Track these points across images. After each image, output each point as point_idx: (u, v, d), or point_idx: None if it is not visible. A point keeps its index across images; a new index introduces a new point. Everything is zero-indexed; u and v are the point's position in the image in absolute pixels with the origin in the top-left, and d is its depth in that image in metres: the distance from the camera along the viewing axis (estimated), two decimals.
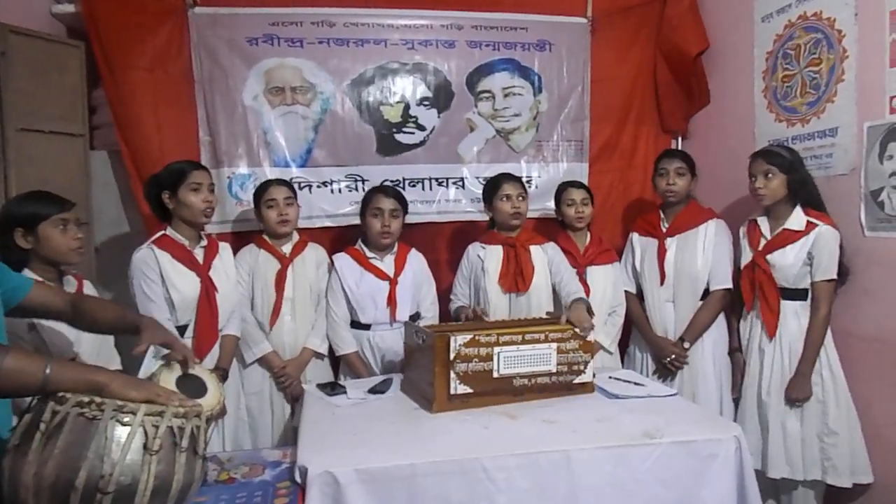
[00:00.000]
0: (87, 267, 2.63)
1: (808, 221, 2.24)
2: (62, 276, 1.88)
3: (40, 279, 1.65)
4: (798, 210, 2.27)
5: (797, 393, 2.22)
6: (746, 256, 2.41)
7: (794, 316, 2.27)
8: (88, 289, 1.98)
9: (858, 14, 2.23)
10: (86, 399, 1.11)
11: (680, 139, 3.28)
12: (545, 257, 2.47)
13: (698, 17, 3.04)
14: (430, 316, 2.53)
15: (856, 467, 2.18)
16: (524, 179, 3.08)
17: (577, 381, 1.97)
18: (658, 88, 3.18)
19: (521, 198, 2.45)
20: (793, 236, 2.25)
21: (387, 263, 2.48)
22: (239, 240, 2.65)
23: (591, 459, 1.59)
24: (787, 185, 2.27)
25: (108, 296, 2.81)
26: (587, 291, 2.56)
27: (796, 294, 2.27)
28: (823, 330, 2.22)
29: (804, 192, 2.28)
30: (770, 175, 2.27)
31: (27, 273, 1.75)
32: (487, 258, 2.48)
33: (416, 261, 2.54)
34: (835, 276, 2.20)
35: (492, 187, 2.53)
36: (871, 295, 2.21)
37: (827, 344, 2.24)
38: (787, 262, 2.26)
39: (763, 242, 2.34)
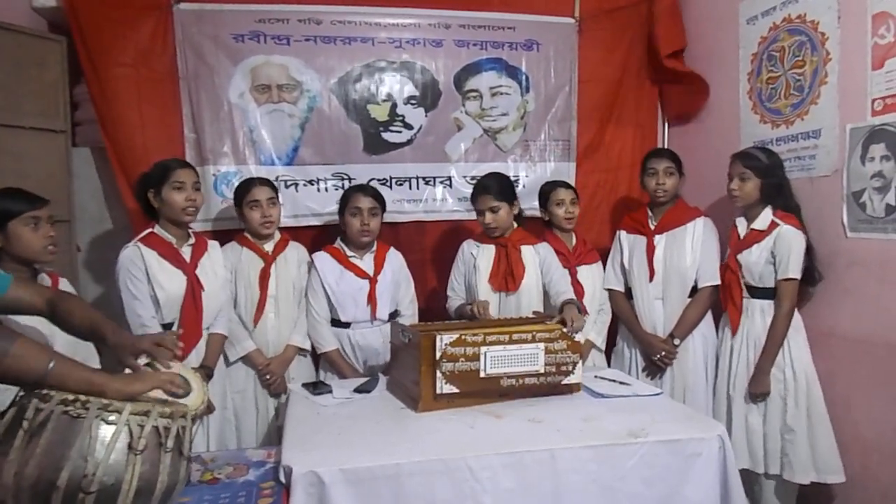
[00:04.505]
0: (69, 265, 2.60)
1: (771, 221, 2.29)
2: (36, 274, 1.85)
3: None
4: (767, 211, 2.33)
5: (756, 388, 2.28)
6: (726, 257, 2.47)
7: (761, 314, 2.33)
8: (65, 286, 1.94)
9: (841, 17, 2.26)
10: (70, 397, 1.10)
11: (666, 138, 3.30)
12: (537, 257, 2.47)
13: (678, 16, 3.06)
14: (409, 314, 2.53)
15: (820, 466, 2.21)
16: (511, 178, 3.10)
17: (565, 381, 1.96)
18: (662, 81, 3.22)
19: (492, 211, 2.40)
20: (758, 236, 2.31)
21: (366, 262, 2.47)
22: (226, 238, 2.62)
23: (575, 458, 1.60)
24: (760, 188, 2.31)
25: (92, 293, 2.78)
26: (580, 291, 2.58)
27: (763, 292, 2.32)
28: (784, 327, 2.26)
29: (778, 197, 2.32)
30: (745, 178, 2.32)
31: None
32: (480, 256, 2.48)
33: (395, 259, 2.54)
34: (795, 276, 2.24)
35: (471, 199, 2.52)
36: (851, 295, 2.24)
37: (794, 342, 2.28)
38: (752, 261, 2.32)
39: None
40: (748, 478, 2.35)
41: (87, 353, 1.94)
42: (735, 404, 2.35)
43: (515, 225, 2.51)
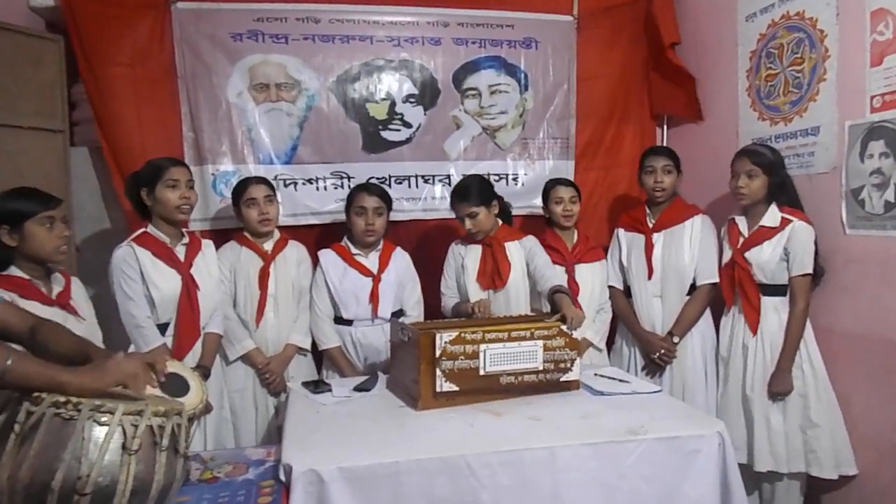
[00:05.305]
0: (68, 265, 2.60)
1: (782, 217, 2.28)
2: (49, 273, 1.86)
3: (9, 299, 1.61)
4: (773, 207, 2.32)
5: (778, 387, 2.26)
6: (726, 255, 2.45)
7: (774, 311, 2.31)
8: (76, 286, 1.95)
9: (840, 14, 2.25)
10: (62, 399, 1.09)
11: (665, 136, 3.30)
12: (522, 251, 2.47)
13: (672, 10, 3.06)
14: (415, 315, 2.53)
15: (839, 459, 2.22)
16: (510, 177, 3.11)
17: (563, 378, 1.96)
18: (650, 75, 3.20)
19: (471, 217, 2.40)
20: (768, 233, 2.29)
21: (371, 260, 2.48)
22: (224, 237, 2.62)
23: (575, 456, 1.59)
24: (767, 186, 2.30)
25: (90, 293, 2.77)
26: (576, 289, 2.57)
27: (775, 290, 2.31)
28: (802, 324, 2.25)
29: (783, 194, 2.32)
30: (752, 175, 2.30)
31: (13, 271, 1.74)
32: (467, 256, 2.50)
33: (401, 259, 2.54)
34: (811, 271, 2.24)
35: (450, 205, 2.51)
36: (850, 292, 2.24)
37: (807, 338, 2.27)
38: (764, 258, 2.29)
39: (742, 241, 2.37)
40: (757, 479, 2.36)
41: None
42: (755, 405, 2.31)
43: (500, 222, 2.51)
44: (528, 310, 2.43)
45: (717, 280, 2.49)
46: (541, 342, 1.91)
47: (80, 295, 1.94)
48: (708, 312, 2.59)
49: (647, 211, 2.67)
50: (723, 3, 2.86)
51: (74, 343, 1.40)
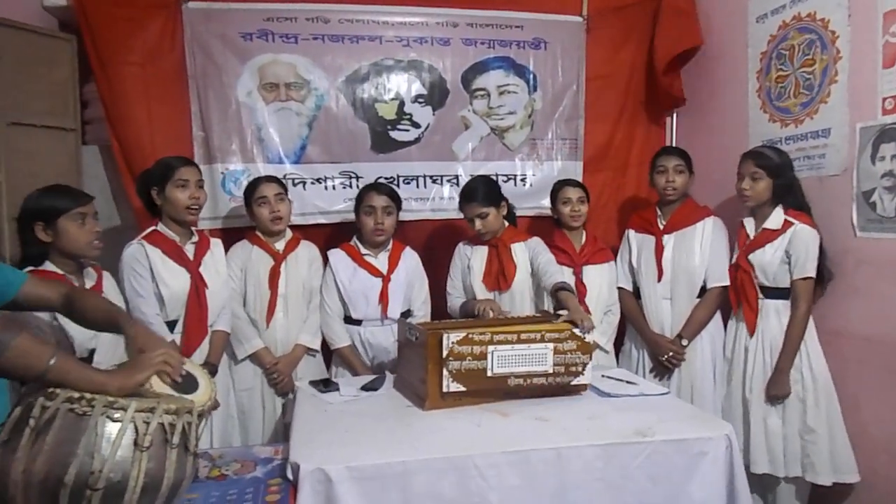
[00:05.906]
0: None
1: (785, 220, 2.27)
2: (82, 268, 1.90)
3: (44, 272, 1.67)
4: (778, 210, 2.31)
5: (776, 390, 2.25)
6: (735, 257, 2.44)
7: (776, 314, 2.30)
8: (108, 281, 2.00)
9: (852, 15, 2.24)
10: (76, 395, 1.11)
11: (674, 137, 3.28)
12: (527, 252, 2.48)
13: (695, 12, 3.02)
14: (422, 314, 2.53)
15: (838, 466, 2.20)
16: (518, 177, 3.11)
17: (574, 382, 1.94)
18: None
19: (480, 217, 2.41)
20: (771, 235, 2.29)
21: (380, 260, 2.48)
22: (233, 236, 2.64)
23: (581, 457, 1.59)
24: (772, 188, 2.30)
25: None
26: (583, 290, 2.57)
27: (778, 293, 2.30)
28: (802, 328, 2.24)
29: (789, 196, 2.31)
30: (757, 177, 2.30)
31: (48, 266, 1.80)
32: (473, 257, 2.50)
33: (410, 259, 2.55)
34: (812, 275, 2.23)
35: (459, 206, 2.52)
36: (861, 295, 2.23)
37: (809, 342, 2.26)
38: (766, 261, 2.29)
39: (747, 243, 2.37)
40: (760, 482, 2.35)
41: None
42: (753, 407, 2.31)
43: (507, 224, 2.52)
44: (533, 311, 2.43)
45: (727, 283, 2.48)
46: (551, 345, 1.88)
47: (111, 289, 2.00)
48: (718, 315, 2.58)
49: (658, 212, 2.66)
50: (733, 4, 2.84)
51: (106, 308, 1.46)
